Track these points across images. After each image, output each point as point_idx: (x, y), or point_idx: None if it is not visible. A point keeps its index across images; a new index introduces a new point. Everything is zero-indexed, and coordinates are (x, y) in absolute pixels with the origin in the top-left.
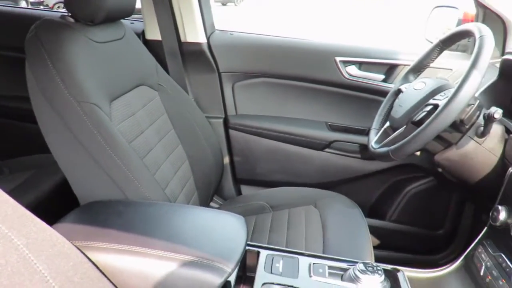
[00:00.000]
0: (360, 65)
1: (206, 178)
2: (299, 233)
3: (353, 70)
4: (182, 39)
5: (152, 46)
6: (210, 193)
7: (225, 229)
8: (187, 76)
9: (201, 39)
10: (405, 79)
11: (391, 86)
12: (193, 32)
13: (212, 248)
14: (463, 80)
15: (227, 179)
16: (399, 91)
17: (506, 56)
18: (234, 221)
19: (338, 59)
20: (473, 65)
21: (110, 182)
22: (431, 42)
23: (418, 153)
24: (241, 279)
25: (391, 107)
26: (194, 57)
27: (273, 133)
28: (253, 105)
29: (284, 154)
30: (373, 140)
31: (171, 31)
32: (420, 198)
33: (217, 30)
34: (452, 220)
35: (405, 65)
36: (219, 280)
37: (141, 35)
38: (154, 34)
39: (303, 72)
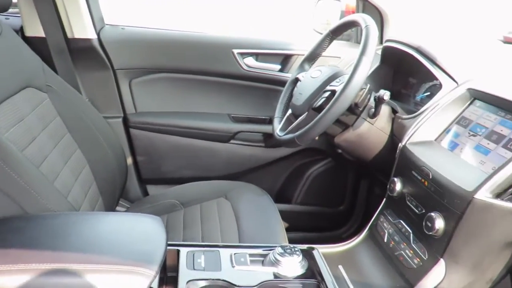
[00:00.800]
0: (257, 56)
1: (110, 182)
2: (214, 226)
3: (250, 61)
4: (69, 35)
5: (34, 44)
6: (116, 196)
7: (143, 231)
8: (78, 75)
9: (90, 34)
10: (301, 68)
11: (288, 76)
12: (80, 27)
13: (132, 253)
14: (355, 66)
15: (132, 181)
16: (296, 80)
17: (386, 44)
18: (150, 222)
19: (235, 51)
20: (362, 53)
21: (4, 196)
22: (320, 33)
23: (316, 137)
24: (163, 280)
25: (291, 96)
26: (84, 54)
27: (177, 129)
28: (153, 102)
29: (190, 149)
30: (277, 128)
31: (56, 27)
32: (321, 179)
33: (107, 25)
34: (350, 196)
35: (299, 54)
36: (144, 285)
37: (20, 31)
38: (35, 30)
39: (202, 66)
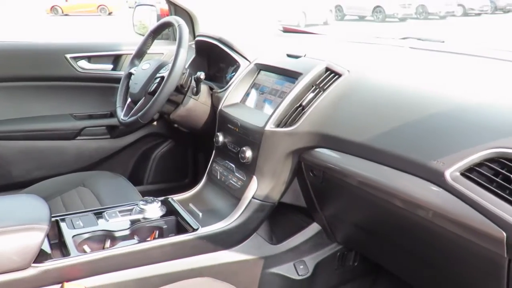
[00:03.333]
0: (89, 59)
1: None
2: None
3: (84, 64)
4: None
5: None
6: None
7: (24, 203)
8: None
9: None
10: (132, 64)
11: (120, 73)
12: None
13: (22, 218)
14: (175, 56)
15: None
16: (130, 74)
17: (197, 38)
18: (27, 197)
19: (68, 56)
20: (179, 45)
21: None
22: (141, 34)
23: (155, 123)
24: (51, 246)
25: (127, 87)
26: None
27: (21, 134)
28: None
29: (38, 151)
30: (121, 115)
31: None
32: (165, 158)
33: None
34: (192, 168)
35: (127, 54)
36: (41, 237)
37: None
38: None
39: (37, 72)
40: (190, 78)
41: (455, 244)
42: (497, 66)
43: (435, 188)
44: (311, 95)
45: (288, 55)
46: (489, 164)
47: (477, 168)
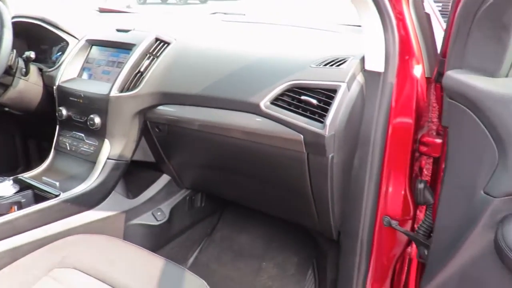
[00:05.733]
0: None
1: None
2: None
3: None
4: None
5: None
6: None
7: None
8: None
9: None
10: None
11: None
12: None
13: None
14: (1, 37)
15: None
16: None
17: (13, 20)
18: None
19: None
20: (3, 25)
21: None
22: None
23: None
24: None
25: None
26: None
27: None
28: None
29: None
30: None
31: None
32: None
33: None
34: (23, 156)
35: None
36: None
37: None
38: None
39: None
40: (18, 59)
41: (274, 155)
42: (285, 30)
43: (255, 116)
44: (147, 62)
45: (118, 30)
46: (288, 93)
47: (280, 97)
